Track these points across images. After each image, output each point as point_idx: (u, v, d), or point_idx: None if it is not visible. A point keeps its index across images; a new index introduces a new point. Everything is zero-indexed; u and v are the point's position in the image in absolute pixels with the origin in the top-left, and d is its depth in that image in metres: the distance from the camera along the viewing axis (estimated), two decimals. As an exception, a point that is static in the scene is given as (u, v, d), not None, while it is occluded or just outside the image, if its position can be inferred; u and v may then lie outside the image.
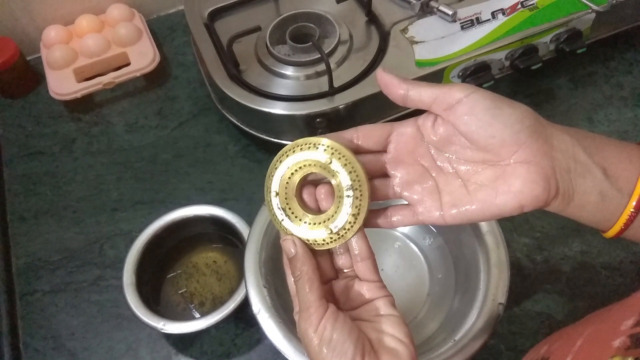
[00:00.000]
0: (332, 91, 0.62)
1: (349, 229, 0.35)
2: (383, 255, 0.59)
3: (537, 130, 0.33)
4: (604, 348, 0.27)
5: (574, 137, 0.33)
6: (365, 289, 0.36)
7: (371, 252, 0.36)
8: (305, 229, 0.36)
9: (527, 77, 0.76)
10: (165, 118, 0.75)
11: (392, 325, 0.34)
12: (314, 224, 0.35)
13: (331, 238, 0.35)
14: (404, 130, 0.36)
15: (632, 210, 0.32)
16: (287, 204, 0.36)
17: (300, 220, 0.36)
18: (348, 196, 0.34)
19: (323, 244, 0.35)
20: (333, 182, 0.35)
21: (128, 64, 0.77)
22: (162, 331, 0.52)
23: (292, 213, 0.36)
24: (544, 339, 0.44)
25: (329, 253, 0.38)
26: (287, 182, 0.36)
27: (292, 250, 0.35)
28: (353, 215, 0.34)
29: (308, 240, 0.36)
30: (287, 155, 0.36)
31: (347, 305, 0.36)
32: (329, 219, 0.35)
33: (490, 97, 0.33)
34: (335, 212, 0.35)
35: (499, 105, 0.33)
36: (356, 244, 0.36)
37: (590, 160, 0.33)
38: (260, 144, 0.70)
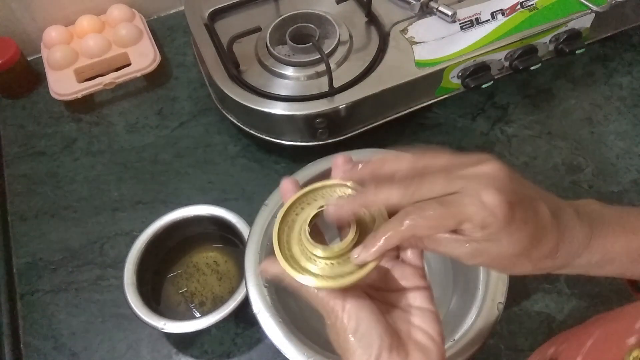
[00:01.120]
0: (332, 91, 0.63)
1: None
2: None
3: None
4: (618, 346, 0.27)
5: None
6: (407, 273, 0.33)
7: None
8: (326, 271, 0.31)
9: (526, 77, 0.76)
10: (166, 118, 0.76)
11: (426, 319, 0.32)
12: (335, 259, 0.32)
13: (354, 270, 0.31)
14: None
15: None
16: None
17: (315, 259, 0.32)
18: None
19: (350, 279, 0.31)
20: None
21: (128, 65, 0.77)
22: (163, 331, 0.52)
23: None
24: (543, 338, 0.44)
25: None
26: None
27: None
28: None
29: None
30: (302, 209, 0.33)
31: (384, 286, 0.34)
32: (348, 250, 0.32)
33: None
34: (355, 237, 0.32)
35: None
36: None
37: None
38: (261, 144, 0.70)
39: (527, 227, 0.29)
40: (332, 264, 0.32)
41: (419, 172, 0.30)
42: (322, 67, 0.64)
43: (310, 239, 0.32)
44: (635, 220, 0.34)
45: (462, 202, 0.28)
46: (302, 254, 0.33)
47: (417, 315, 0.32)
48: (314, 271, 0.32)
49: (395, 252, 0.35)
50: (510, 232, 0.29)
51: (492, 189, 0.28)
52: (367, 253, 0.31)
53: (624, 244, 0.33)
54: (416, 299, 0.33)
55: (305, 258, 0.32)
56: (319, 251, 0.32)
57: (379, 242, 0.30)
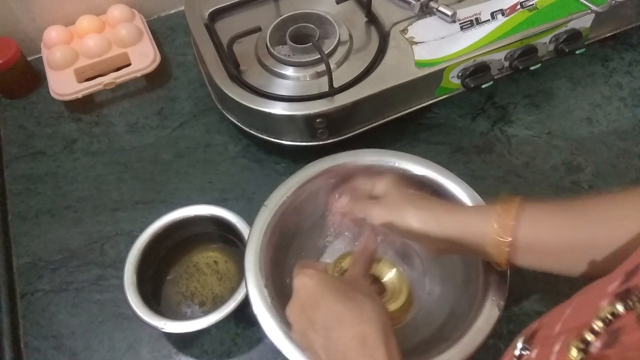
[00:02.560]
0: (332, 91, 0.63)
1: None
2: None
3: None
4: (592, 309, 0.28)
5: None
6: None
7: None
8: None
9: (526, 77, 0.76)
10: (166, 118, 0.76)
11: None
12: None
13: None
14: None
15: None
16: None
17: None
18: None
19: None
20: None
21: (129, 65, 0.77)
22: (163, 330, 0.52)
23: None
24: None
25: None
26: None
27: None
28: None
29: None
30: None
31: None
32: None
33: None
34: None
35: None
36: None
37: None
38: (261, 144, 0.70)
39: (399, 186, 0.51)
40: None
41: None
42: (322, 67, 0.64)
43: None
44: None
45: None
46: None
47: None
48: None
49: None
50: (394, 189, 0.51)
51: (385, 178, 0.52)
52: None
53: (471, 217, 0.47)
54: None
55: None
56: None
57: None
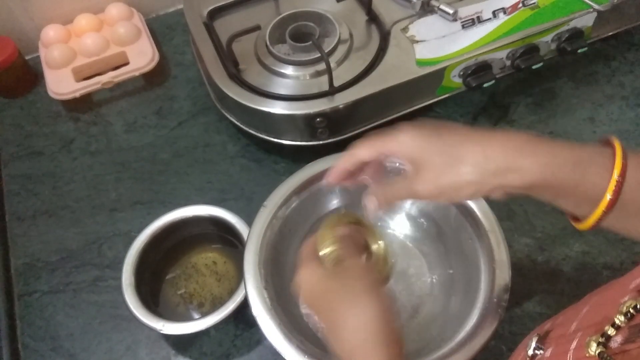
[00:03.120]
0: (332, 90, 0.62)
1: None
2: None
3: None
4: (612, 305, 0.28)
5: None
6: None
7: None
8: None
9: (528, 76, 0.76)
10: (164, 118, 0.75)
11: None
12: None
13: None
14: None
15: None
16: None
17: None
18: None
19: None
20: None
21: (127, 64, 0.77)
22: (161, 332, 0.52)
23: None
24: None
25: None
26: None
27: None
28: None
29: None
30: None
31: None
32: None
33: None
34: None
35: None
36: None
37: None
38: (260, 143, 0.70)
39: (431, 136, 0.37)
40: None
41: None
42: (322, 66, 0.64)
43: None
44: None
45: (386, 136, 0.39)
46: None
47: None
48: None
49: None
50: (420, 142, 0.37)
51: (406, 126, 0.38)
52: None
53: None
54: None
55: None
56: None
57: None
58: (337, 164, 0.42)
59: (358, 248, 0.45)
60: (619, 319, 0.26)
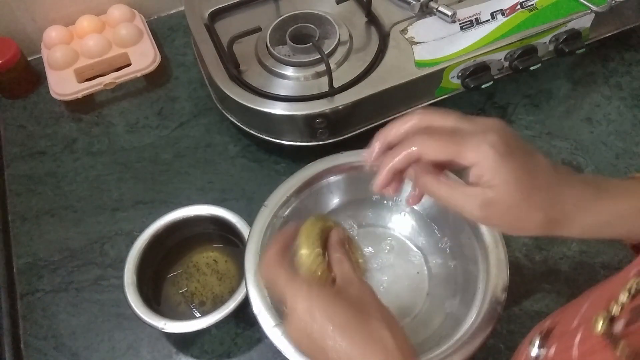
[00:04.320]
0: (332, 92, 0.63)
1: None
2: (382, 256, 0.59)
3: None
4: (614, 297, 0.28)
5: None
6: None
7: None
8: None
9: (526, 77, 0.76)
10: (166, 118, 0.76)
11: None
12: None
13: None
14: None
15: None
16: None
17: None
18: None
19: None
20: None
21: (129, 65, 0.78)
22: (163, 330, 0.52)
23: None
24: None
25: None
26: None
27: None
28: None
29: None
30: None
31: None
32: None
33: None
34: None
35: None
36: None
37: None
38: (261, 144, 0.70)
39: (524, 166, 0.33)
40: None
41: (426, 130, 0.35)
42: (322, 67, 0.64)
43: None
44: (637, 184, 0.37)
45: (465, 138, 0.33)
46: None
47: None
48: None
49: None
50: (509, 169, 0.32)
51: (492, 131, 0.33)
52: (380, 175, 0.35)
53: (633, 204, 0.35)
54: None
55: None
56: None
57: (391, 162, 0.35)
58: (388, 163, 0.35)
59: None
60: (623, 295, 0.27)
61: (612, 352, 0.26)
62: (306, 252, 0.38)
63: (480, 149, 0.32)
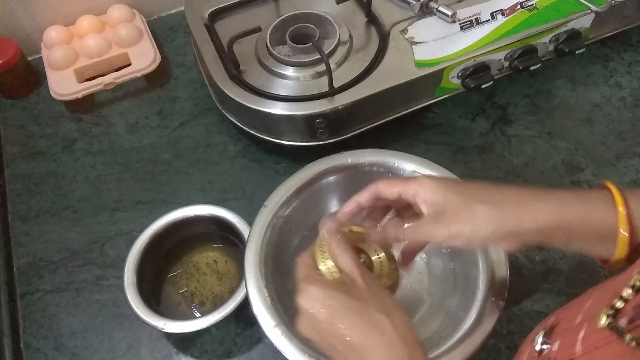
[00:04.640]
0: (332, 92, 0.63)
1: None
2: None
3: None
4: (616, 294, 0.28)
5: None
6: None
7: None
8: None
9: (526, 77, 0.76)
10: (166, 118, 0.76)
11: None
12: None
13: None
14: None
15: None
16: None
17: None
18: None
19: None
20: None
21: (129, 65, 0.78)
22: (163, 330, 0.52)
23: None
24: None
25: None
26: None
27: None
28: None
29: None
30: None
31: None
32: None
33: None
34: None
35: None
36: None
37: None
38: (261, 144, 0.70)
39: (461, 184, 0.41)
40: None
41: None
42: (322, 67, 0.64)
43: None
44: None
45: (410, 178, 0.42)
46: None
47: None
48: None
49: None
50: (447, 185, 0.40)
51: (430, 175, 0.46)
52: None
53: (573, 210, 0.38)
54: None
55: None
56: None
57: (356, 196, 0.45)
58: (355, 197, 0.44)
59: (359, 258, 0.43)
60: (627, 292, 0.27)
61: (619, 343, 0.26)
62: (323, 268, 0.41)
63: (420, 179, 0.41)
